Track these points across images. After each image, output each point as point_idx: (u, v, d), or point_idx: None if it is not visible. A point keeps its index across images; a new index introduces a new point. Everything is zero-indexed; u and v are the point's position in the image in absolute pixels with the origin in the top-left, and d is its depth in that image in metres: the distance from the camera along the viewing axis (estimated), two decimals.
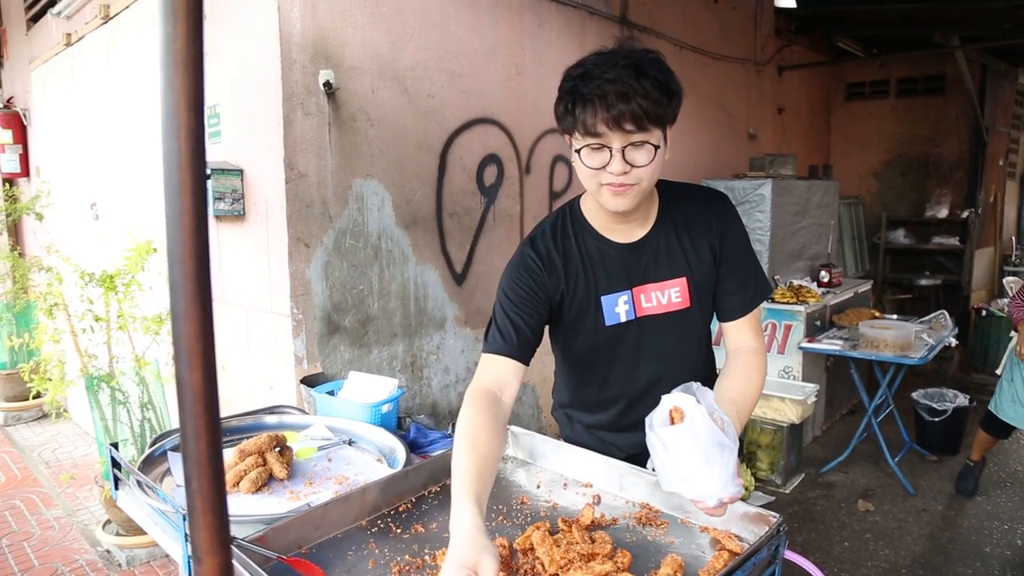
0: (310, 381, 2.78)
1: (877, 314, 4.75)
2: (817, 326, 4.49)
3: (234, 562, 1.25)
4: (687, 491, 1.17)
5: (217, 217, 2.98)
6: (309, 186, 2.71)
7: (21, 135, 5.79)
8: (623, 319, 1.53)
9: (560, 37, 3.79)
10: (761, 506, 3.78)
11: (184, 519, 1.38)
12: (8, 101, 6.06)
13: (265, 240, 2.80)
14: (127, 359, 3.38)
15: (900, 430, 4.37)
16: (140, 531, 2.91)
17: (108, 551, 3.39)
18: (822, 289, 4.79)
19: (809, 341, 4.23)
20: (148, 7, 3.48)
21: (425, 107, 3.11)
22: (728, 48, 5.40)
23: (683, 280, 1.52)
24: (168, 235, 0.66)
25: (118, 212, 4.15)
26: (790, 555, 1.33)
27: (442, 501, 1.52)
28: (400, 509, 1.48)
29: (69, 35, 4.48)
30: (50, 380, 3.17)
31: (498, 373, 1.44)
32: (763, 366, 1.51)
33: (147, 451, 1.80)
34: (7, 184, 5.84)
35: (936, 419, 4.35)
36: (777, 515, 1.30)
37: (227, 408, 3.24)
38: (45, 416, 5.53)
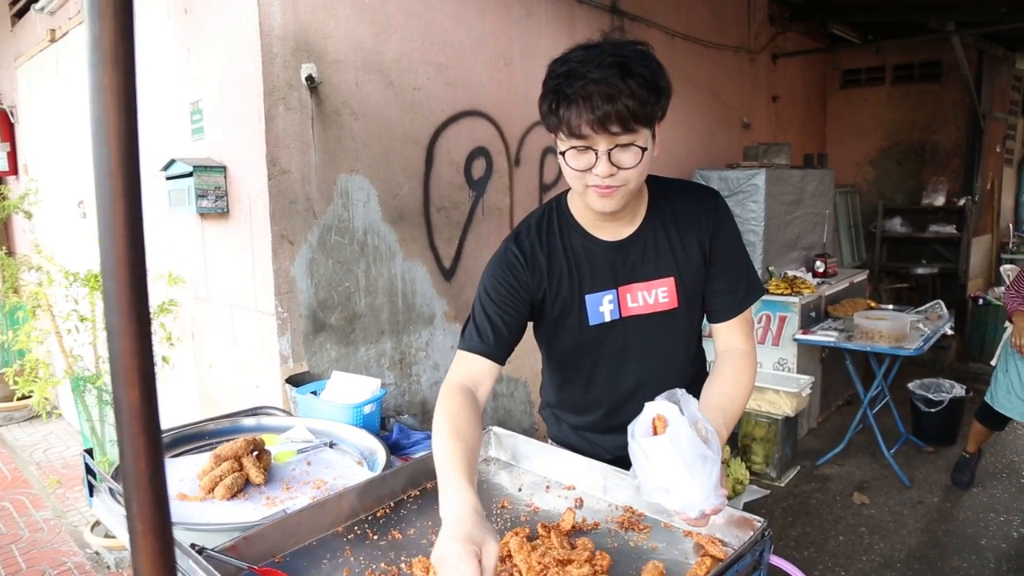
0: (296, 380, 2.74)
1: (873, 304, 4.72)
2: (812, 317, 4.45)
3: (203, 573, 1.22)
4: (669, 502, 1.14)
5: (201, 214, 2.94)
6: (292, 182, 2.67)
7: (8, 133, 5.73)
8: (608, 319, 1.49)
9: (549, 27, 3.73)
10: (756, 500, 3.73)
11: None
12: None
13: (249, 237, 2.75)
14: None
15: (896, 421, 4.35)
16: None
17: (97, 553, 3.36)
18: (817, 279, 4.76)
19: (804, 333, 4.20)
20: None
21: (411, 100, 3.06)
22: (721, 36, 5.34)
23: (671, 280, 1.48)
24: (100, 245, 0.62)
25: None
26: (776, 560, 1.29)
27: (421, 506, 1.48)
28: (378, 514, 1.45)
29: (53, 31, 4.42)
30: (35, 382, 3.14)
31: (472, 371, 1.43)
32: (752, 369, 1.47)
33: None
34: None
35: (932, 410, 4.33)
36: (762, 520, 1.27)
37: (214, 407, 3.21)
38: (37, 416, 5.50)
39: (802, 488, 3.96)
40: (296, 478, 1.66)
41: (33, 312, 3.24)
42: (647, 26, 4.48)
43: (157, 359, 3.29)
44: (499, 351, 1.44)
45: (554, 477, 1.56)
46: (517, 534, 1.28)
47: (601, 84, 1.21)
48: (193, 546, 1.22)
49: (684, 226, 1.48)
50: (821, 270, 4.87)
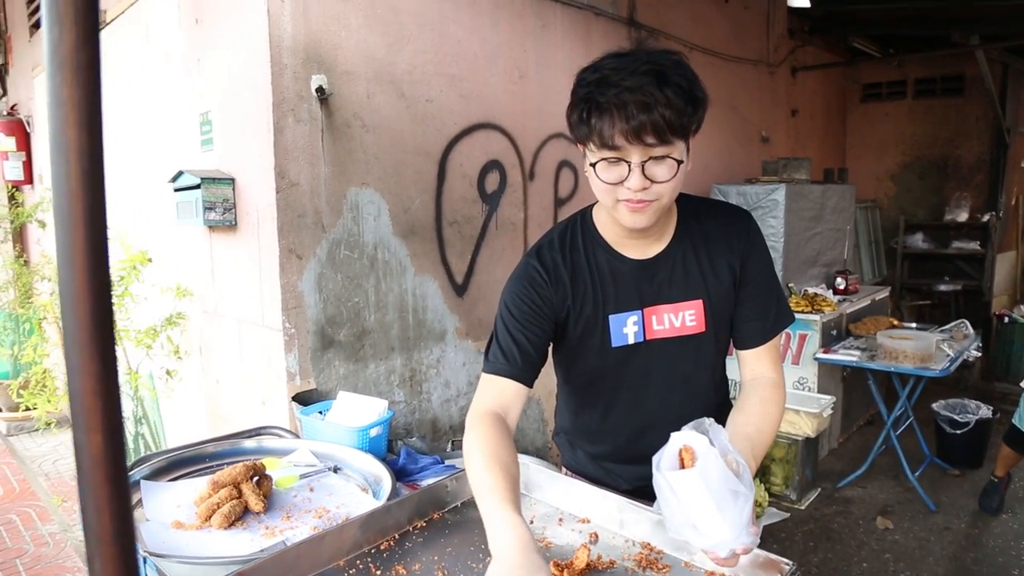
0: (303, 398, 2.68)
1: (895, 322, 4.60)
2: (833, 335, 4.34)
3: None
4: (697, 540, 1.05)
5: (209, 227, 2.89)
6: (301, 195, 2.61)
7: (25, 142, 5.75)
8: (631, 341, 1.42)
9: (565, 39, 3.67)
10: (775, 523, 3.61)
11: (145, 560, 1.28)
12: (12, 108, 6.03)
13: (257, 251, 2.70)
14: (122, 373, 3.30)
15: (920, 443, 4.21)
16: None
17: None
18: (838, 297, 4.65)
19: (825, 351, 4.09)
20: (143, 11, 3.40)
21: (423, 112, 3.01)
22: (740, 49, 5.27)
23: (699, 303, 1.40)
24: (59, 274, 0.55)
25: (115, 221, 4.08)
26: None
27: (427, 538, 1.40)
28: (382, 547, 1.37)
29: None
30: (40, 394, 3.09)
31: (501, 396, 1.35)
32: (782, 400, 1.39)
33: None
34: (12, 191, 5.81)
35: (958, 431, 4.19)
36: (790, 563, 1.18)
37: (221, 423, 3.15)
38: (48, 425, 5.47)
39: (823, 511, 3.84)
40: (297, 506, 1.58)
41: (39, 324, 3.20)
42: (665, 39, 4.41)
43: (160, 373, 3.25)
44: (526, 373, 1.37)
45: (567, 509, 1.48)
46: None
47: (637, 92, 1.15)
48: None
49: (714, 247, 1.40)
50: (842, 287, 4.75)
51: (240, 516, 1.50)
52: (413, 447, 2.04)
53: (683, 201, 1.43)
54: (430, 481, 1.65)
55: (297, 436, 2.09)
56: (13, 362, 5.27)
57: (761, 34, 5.58)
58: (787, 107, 6.10)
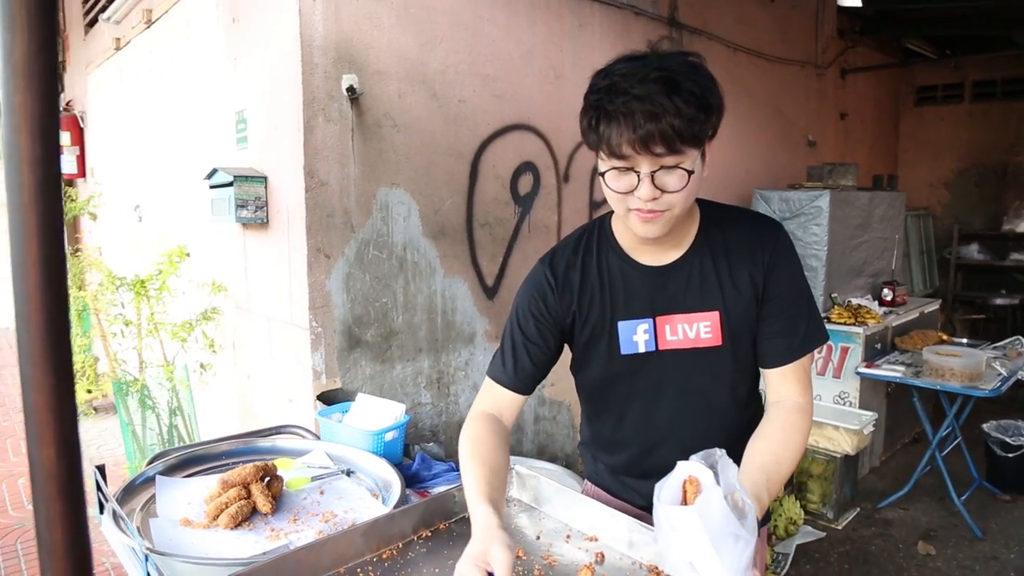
0: (328, 397, 2.68)
1: (945, 337, 4.41)
2: (877, 349, 4.18)
3: None
4: None
5: (243, 224, 2.93)
6: (330, 195, 2.62)
7: (79, 137, 5.93)
8: (641, 349, 1.37)
9: (603, 39, 3.62)
10: (810, 542, 3.50)
11: (147, 558, 1.28)
12: (67, 104, 6.22)
13: (286, 250, 2.71)
14: (157, 365, 3.37)
15: (968, 465, 4.02)
16: None
17: None
18: (884, 309, 4.48)
19: (867, 366, 3.94)
20: (186, 10, 3.46)
21: (456, 112, 2.99)
22: (787, 50, 5.12)
23: (715, 315, 1.34)
24: (13, 287, 0.54)
25: (158, 215, 4.17)
26: None
27: (431, 549, 1.38)
28: (384, 556, 1.35)
29: (118, 39, 4.54)
30: (80, 382, 3.17)
31: (496, 401, 1.43)
32: (806, 427, 1.30)
33: (142, 471, 1.71)
34: (66, 185, 5.99)
35: (1010, 455, 3.99)
36: None
37: (252, 419, 3.18)
38: (96, 411, 5.62)
39: (861, 532, 3.70)
40: (306, 508, 1.57)
41: (79, 315, 3.28)
42: (708, 39, 4.32)
43: (195, 366, 3.30)
44: (521, 383, 1.41)
45: (576, 526, 1.44)
46: None
47: (644, 101, 1.11)
48: None
49: (735, 257, 1.34)
50: (889, 298, 4.58)
51: (248, 517, 1.49)
52: (429, 452, 2.01)
53: (707, 208, 1.38)
54: (440, 489, 1.62)
55: (318, 437, 2.08)
56: None
57: (809, 34, 5.42)
58: (836, 110, 5.92)
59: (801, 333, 1.33)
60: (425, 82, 2.85)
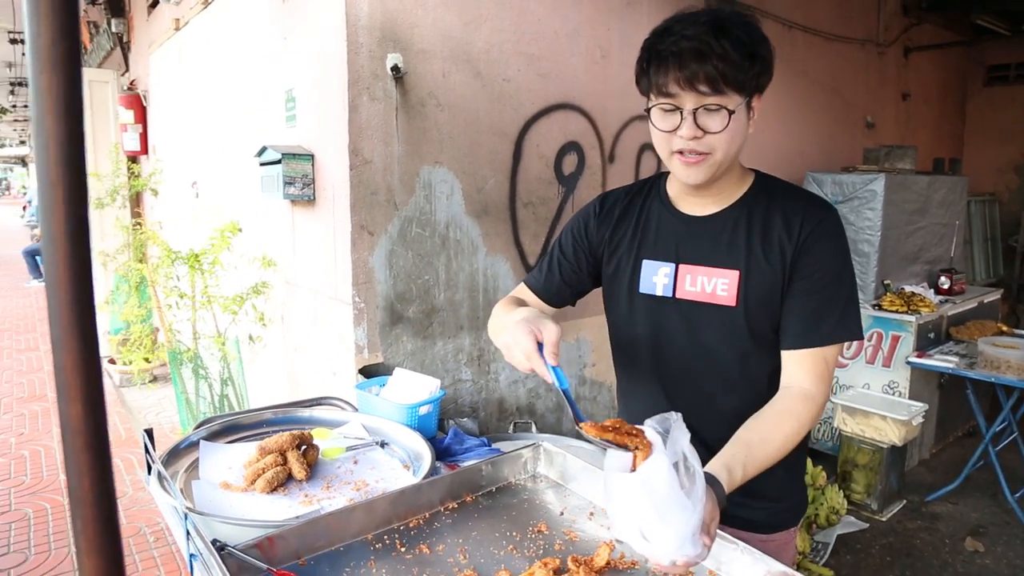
0: (370, 371, 2.75)
1: (1005, 328, 4.24)
2: (930, 339, 4.06)
3: (225, 569, 1.20)
4: (637, 546, 0.99)
5: (291, 201, 3.00)
6: (374, 173, 2.66)
7: (142, 115, 6.13)
8: (659, 292, 1.40)
9: (652, 18, 3.56)
10: (852, 533, 3.44)
11: (186, 517, 1.35)
12: (132, 84, 6.44)
13: (332, 226, 2.78)
14: (210, 336, 3.50)
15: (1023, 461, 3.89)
16: None
17: None
18: (940, 297, 4.34)
19: (919, 356, 3.83)
20: None
21: (500, 91, 2.99)
22: (846, 28, 4.95)
23: (734, 274, 1.32)
24: (44, 257, 0.58)
25: (213, 191, 4.30)
26: None
27: (456, 520, 1.42)
28: (411, 525, 1.39)
29: (178, 20, 4.67)
30: (137, 351, 3.32)
31: (524, 299, 1.57)
32: (808, 416, 1.24)
33: (187, 435, 1.80)
34: (129, 161, 6.21)
35: None
36: None
37: (298, 390, 3.28)
38: (155, 379, 5.87)
39: (906, 525, 3.62)
40: (339, 477, 1.63)
41: (137, 288, 3.43)
42: (762, 16, 4.20)
43: (245, 338, 3.41)
44: (547, 291, 1.55)
45: (600, 504, 1.46)
46: (545, 565, 1.19)
47: (693, 41, 1.18)
48: (215, 542, 1.21)
49: (773, 224, 1.32)
50: (946, 287, 4.43)
51: (283, 482, 1.55)
52: (463, 427, 2.05)
53: (762, 177, 1.40)
54: (469, 463, 1.66)
55: (355, 409, 2.14)
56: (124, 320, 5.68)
57: (871, 11, 5.22)
58: (897, 90, 5.71)
59: (828, 322, 1.28)
60: (469, 61, 2.86)
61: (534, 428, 2.81)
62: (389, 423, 1.90)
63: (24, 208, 20.83)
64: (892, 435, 3.59)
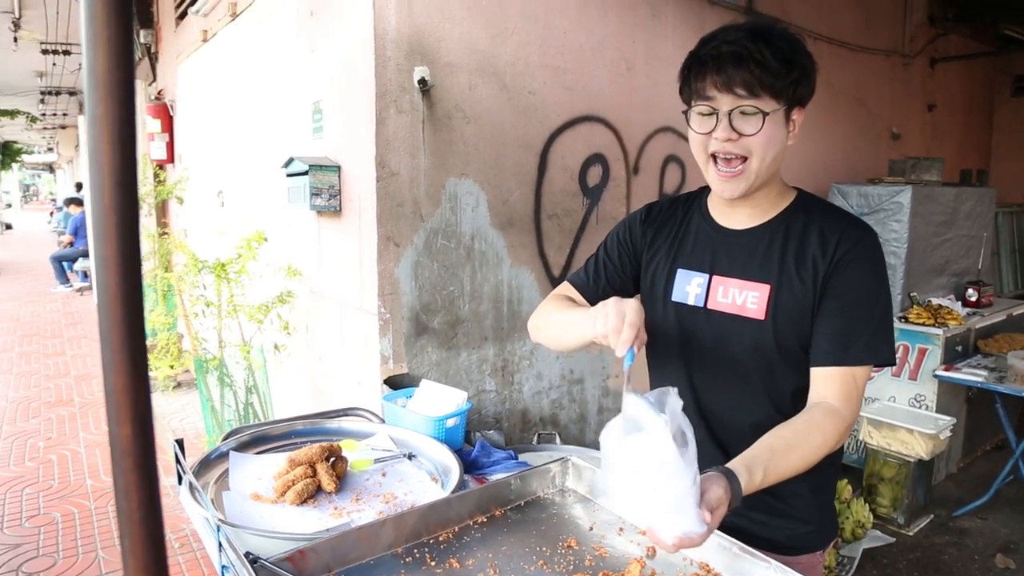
0: (395, 382, 2.76)
1: None
2: (958, 351, 4.01)
3: None
4: (639, 517, 1.03)
5: (317, 212, 3.03)
6: (400, 185, 2.68)
7: (168, 124, 6.23)
8: (691, 302, 1.42)
9: (676, 30, 3.56)
10: (878, 547, 3.39)
11: (219, 529, 1.37)
12: (159, 93, 6.54)
13: (358, 237, 2.80)
14: (235, 344, 3.53)
15: None
16: None
17: None
18: (968, 309, 4.28)
19: (946, 369, 3.78)
20: (268, 3, 3.59)
21: (525, 104, 3.01)
22: (871, 39, 4.92)
23: (765, 288, 1.33)
24: (96, 280, 0.60)
25: (239, 200, 4.35)
26: None
27: (486, 534, 1.42)
28: (440, 539, 1.40)
29: (205, 31, 4.74)
30: (164, 358, 3.36)
31: (568, 296, 1.59)
32: (835, 432, 1.23)
33: (217, 446, 1.82)
34: (156, 169, 6.31)
35: None
36: None
37: (322, 399, 3.31)
38: (180, 385, 5.93)
39: (933, 540, 3.57)
40: (368, 489, 1.64)
41: (163, 295, 3.48)
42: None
43: (270, 347, 3.44)
44: (592, 291, 1.57)
45: (629, 519, 1.45)
46: None
47: (733, 45, 1.22)
48: (248, 555, 1.22)
49: (809, 241, 1.32)
50: (973, 299, 4.38)
51: (312, 494, 1.57)
52: (489, 440, 2.06)
53: (804, 195, 1.41)
54: (498, 476, 1.67)
55: (382, 420, 2.16)
56: (151, 327, 5.76)
57: (896, 22, 5.18)
58: (923, 101, 5.66)
59: (858, 343, 1.27)
60: (496, 74, 2.88)
61: (558, 439, 2.81)
62: (416, 435, 1.91)
63: (51, 214, 21.20)
64: (919, 449, 3.55)
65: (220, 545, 1.34)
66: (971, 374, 3.67)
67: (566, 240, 3.30)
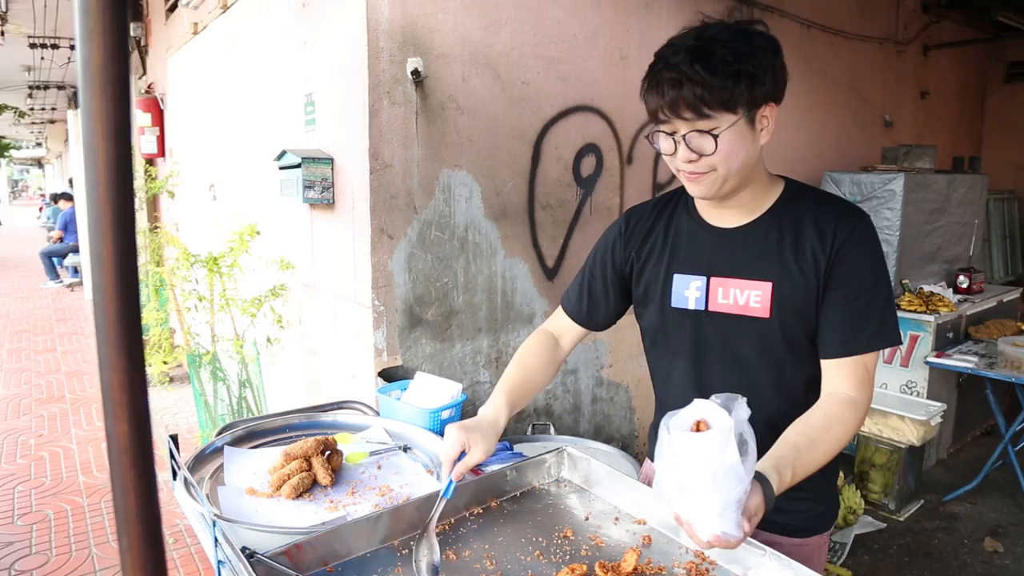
0: (389, 374, 2.76)
1: None
2: (949, 338, 4.03)
3: None
4: (681, 508, 1.02)
5: (310, 204, 3.02)
6: (394, 177, 2.68)
7: (159, 118, 6.19)
8: (691, 306, 1.41)
9: (670, 19, 3.55)
10: (869, 533, 3.42)
11: (214, 524, 1.37)
12: (149, 87, 6.49)
13: (351, 230, 2.79)
14: (228, 338, 3.52)
15: None
16: None
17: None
18: (959, 296, 4.31)
19: (937, 355, 3.81)
20: None
21: (519, 95, 3.00)
22: (864, 26, 4.92)
23: (767, 285, 1.33)
24: (92, 276, 0.59)
25: (231, 194, 4.33)
26: None
27: (482, 525, 1.42)
28: (437, 530, 1.40)
29: (196, 24, 4.70)
30: (156, 354, 3.35)
31: (559, 324, 1.64)
32: (853, 421, 1.25)
33: (211, 441, 1.82)
34: (146, 163, 6.27)
35: None
36: None
37: (316, 392, 3.31)
38: (172, 380, 5.92)
39: (924, 525, 3.60)
40: (364, 482, 1.64)
41: (156, 291, 3.46)
42: (780, 16, 4.19)
43: (263, 340, 3.44)
44: (581, 314, 1.59)
45: (625, 509, 1.46)
46: (573, 572, 1.20)
47: (673, 70, 1.20)
48: (244, 550, 1.22)
49: (805, 233, 1.32)
50: (964, 286, 4.40)
51: (308, 488, 1.57)
52: None
53: (793, 185, 1.39)
54: (493, 468, 1.67)
55: (377, 413, 2.16)
56: (144, 322, 5.73)
57: (890, 9, 5.18)
58: (916, 89, 5.67)
59: (867, 329, 1.28)
60: (489, 65, 2.87)
61: (552, 430, 2.82)
62: (411, 427, 1.91)
63: (40, 209, 21.05)
64: (910, 435, 3.57)
65: (216, 540, 1.34)
66: (962, 360, 3.70)
67: (560, 231, 3.30)
